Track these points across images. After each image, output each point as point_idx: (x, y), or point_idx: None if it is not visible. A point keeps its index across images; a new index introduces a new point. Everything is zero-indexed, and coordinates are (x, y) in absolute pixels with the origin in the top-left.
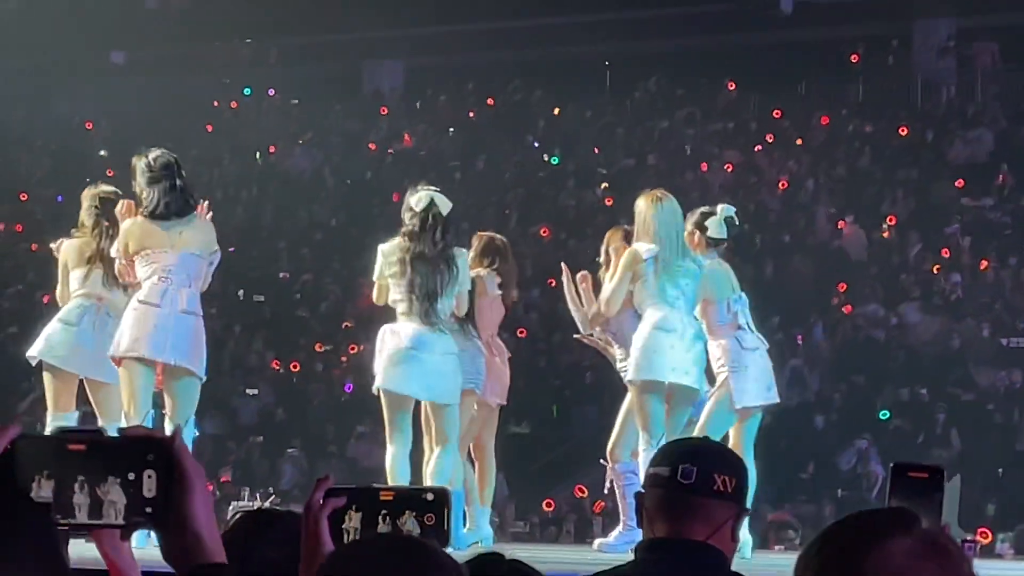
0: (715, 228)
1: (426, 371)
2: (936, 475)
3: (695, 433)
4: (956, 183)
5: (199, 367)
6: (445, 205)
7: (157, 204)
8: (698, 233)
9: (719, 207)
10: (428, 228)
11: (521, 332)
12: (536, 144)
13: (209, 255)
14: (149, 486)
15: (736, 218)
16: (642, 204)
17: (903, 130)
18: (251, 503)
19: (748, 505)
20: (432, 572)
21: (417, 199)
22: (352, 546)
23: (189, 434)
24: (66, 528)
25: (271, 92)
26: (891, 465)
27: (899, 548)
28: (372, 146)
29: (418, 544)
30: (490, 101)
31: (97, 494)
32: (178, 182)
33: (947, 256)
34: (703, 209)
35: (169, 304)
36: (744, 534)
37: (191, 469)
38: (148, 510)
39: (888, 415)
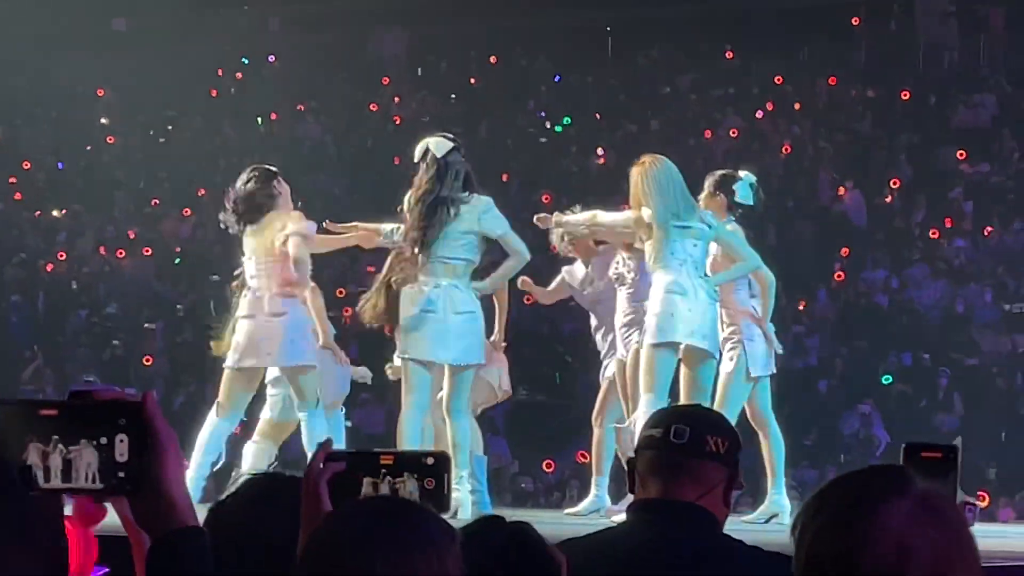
0: (742, 193)
1: (440, 332)
2: (950, 454)
3: (715, 407)
4: (959, 148)
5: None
6: (441, 147)
7: None
8: (721, 195)
9: (741, 172)
10: (425, 172)
11: (528, 300)
12: (539, 112)
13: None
14: (121, 450)
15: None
16: (635, 172)
17: (905, 95)
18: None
19: (781, 467)
20: (424, 536)
21: (416, 149)
22: (345, 509)
23: (339, 425)
24: (39, 494)
25: (271, 59)
26: (904, 445)
27: (896, 511)
28: (374, 106)
29: (411, 507)
30: (493, 59)
31: (70, 458)
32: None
33: (950, 221)
34: (723, 172)
35: None
36: (783, 500)
37: (163, 433)
38: (121, 474)
39: (891, 380)
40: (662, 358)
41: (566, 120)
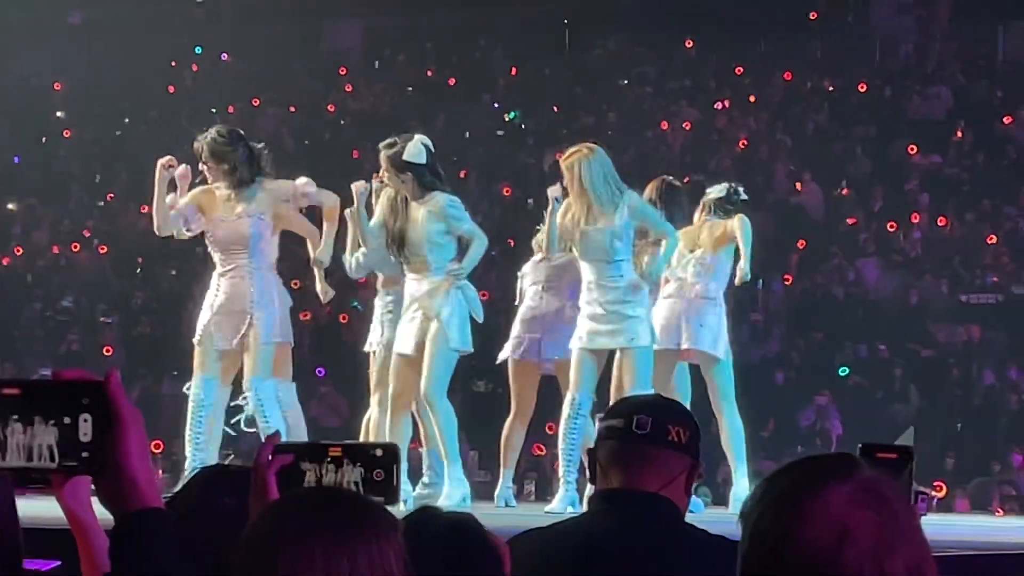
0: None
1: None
2: (904, 454)
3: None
4: (914, 140)
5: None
6: (411, 151)
7: None
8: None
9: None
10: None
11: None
12: (495, 104)
13: None
14: (85, 430)
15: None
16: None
17: (862, 87)
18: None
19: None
20: (366, 525)
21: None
22: (285, 499)
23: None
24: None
25: (224, 56)
26: (859, 446)
27: (836, 496)
28: (331, 107)
29: (353, 498)
30: (449, 53)
31: (31, 438)
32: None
33: (905, 213)
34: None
35: None
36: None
37: (127, 413)
38: (84, 454)
39: (847, 371)
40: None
41: (512, 114)
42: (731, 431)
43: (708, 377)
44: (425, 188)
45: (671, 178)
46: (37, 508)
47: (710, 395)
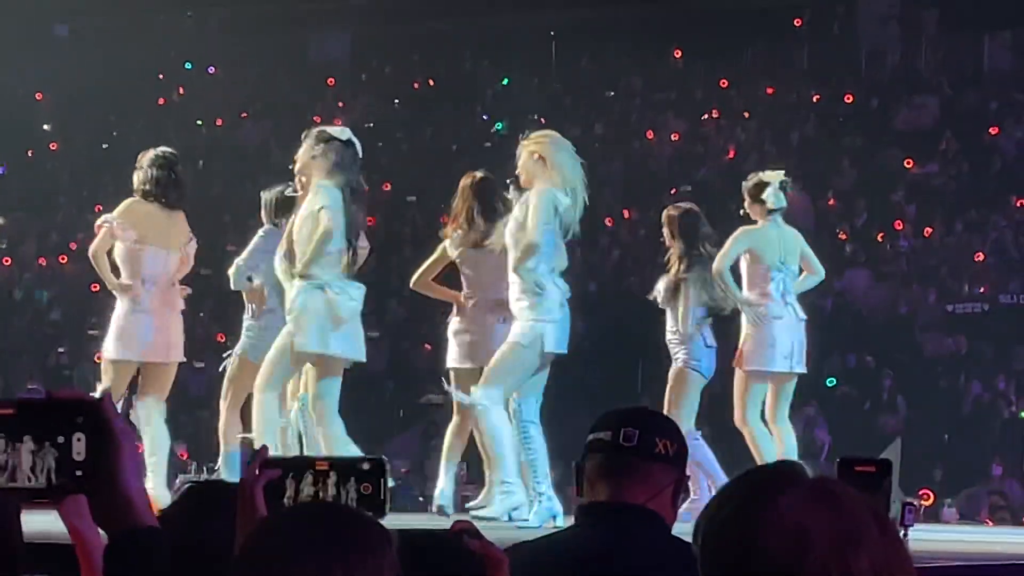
0: (772, 198)
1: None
2: (882, 467)
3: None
4: (901, 150)
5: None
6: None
7: None
8: (755, 204)
9: (768, 174)
10: None
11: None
12: (483, 116)
13: None
14: (79, 449)
15: (788, 182)
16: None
17: (849, 97)
18: (198, 476)
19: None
20: (360, 540)
21: None
22: (279, 514)
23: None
24: None
25: (211, 69)
26: (837, 460)
27: (790, 501)
28: (317, 119)
29: (346, 511)
30: (437, 63)
31: (26, 457)
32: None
33: (893, 223)
34: (756, 179)
35: None
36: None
37: (121, 432)
38: (78, 473)
39: (835, 382)
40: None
41: (498, 125)
42: (788, 447)
43: (784, 394)
44: None
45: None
46: (43, 523)
47: (775, 410)
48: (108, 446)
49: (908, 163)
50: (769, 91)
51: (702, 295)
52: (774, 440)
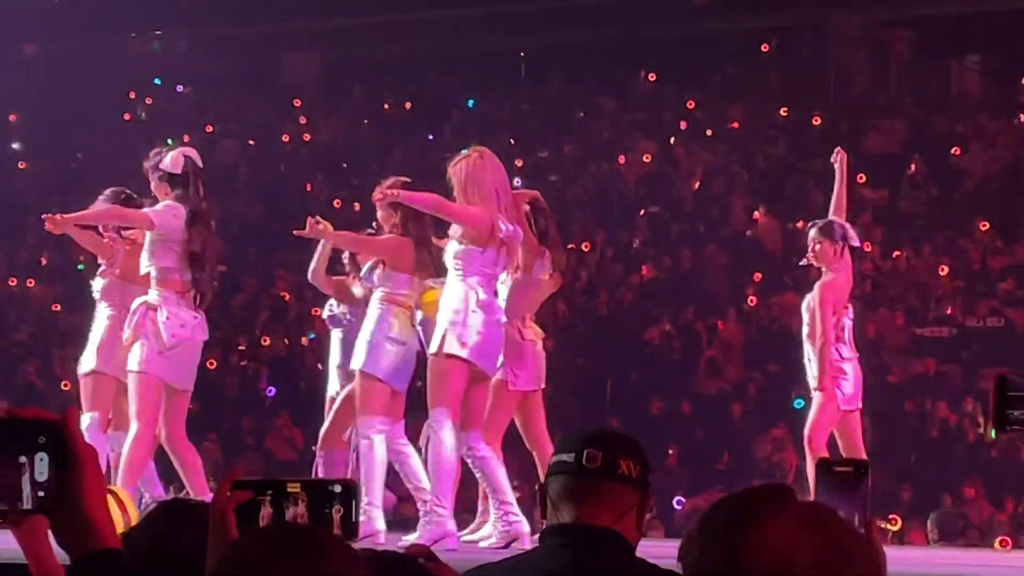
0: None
1: None
2: (860, 468)
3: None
4: (869, 173)
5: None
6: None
7: None
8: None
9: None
10: None
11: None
12: (451, 135)
13: None
14: (41, 469)
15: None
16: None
17: (817, 120)
18: (165, 495)
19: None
20: (329, 562)
21: None
22: (249, 536)
23: None
24: None
25: (179, 88)
26: (816, 460)
27: (777, 526)
28: (286, 138)
29: (316, 534)
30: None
31: None
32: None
33: (860, 246)
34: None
35: None
36: None
37: (84, 452)
38: (40, 494)
39: (803, 404)
40: None
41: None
42: None
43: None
44: None
45: None
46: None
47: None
48: (72, 467)
49: (869, 180)
50: (739, 111)
51: None
52: None
